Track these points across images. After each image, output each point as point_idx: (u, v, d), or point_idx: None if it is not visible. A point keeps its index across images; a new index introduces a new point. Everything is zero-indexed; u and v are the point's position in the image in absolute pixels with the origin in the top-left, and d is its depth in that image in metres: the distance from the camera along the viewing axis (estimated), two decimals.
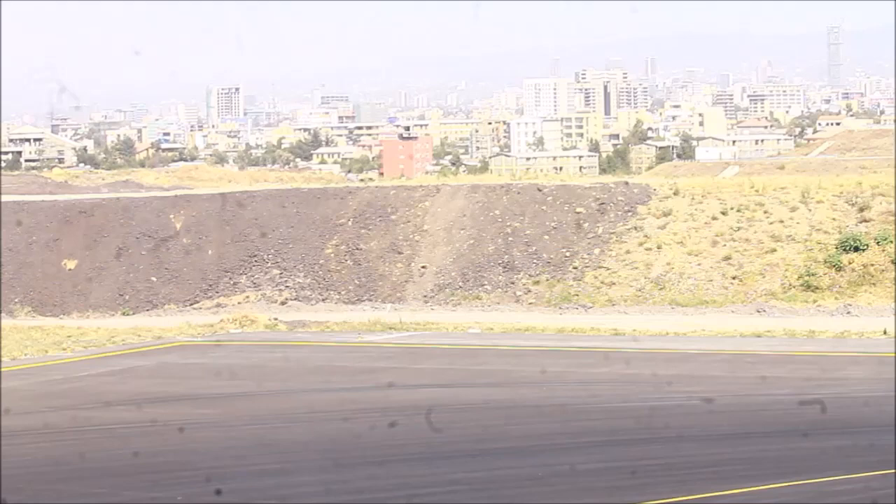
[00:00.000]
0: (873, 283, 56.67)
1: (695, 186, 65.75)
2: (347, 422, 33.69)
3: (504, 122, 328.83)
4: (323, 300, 62.56)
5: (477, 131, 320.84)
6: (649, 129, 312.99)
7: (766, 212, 61.78)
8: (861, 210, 60.45)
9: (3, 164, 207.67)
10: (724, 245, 60.44)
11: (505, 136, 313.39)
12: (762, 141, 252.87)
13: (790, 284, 57.59)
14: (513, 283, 61.17)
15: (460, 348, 48.80)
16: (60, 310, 63.58)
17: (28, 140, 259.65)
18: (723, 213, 62.24)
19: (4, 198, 70.59)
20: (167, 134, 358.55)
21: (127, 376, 43.69)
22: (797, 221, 60.78)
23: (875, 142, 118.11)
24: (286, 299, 62.82)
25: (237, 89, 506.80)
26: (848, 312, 54.52)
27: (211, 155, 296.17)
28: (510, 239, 63.09)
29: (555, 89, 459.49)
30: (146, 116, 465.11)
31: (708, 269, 59.47)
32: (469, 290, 61.29)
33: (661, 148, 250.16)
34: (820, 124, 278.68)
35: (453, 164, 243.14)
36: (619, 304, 58.31)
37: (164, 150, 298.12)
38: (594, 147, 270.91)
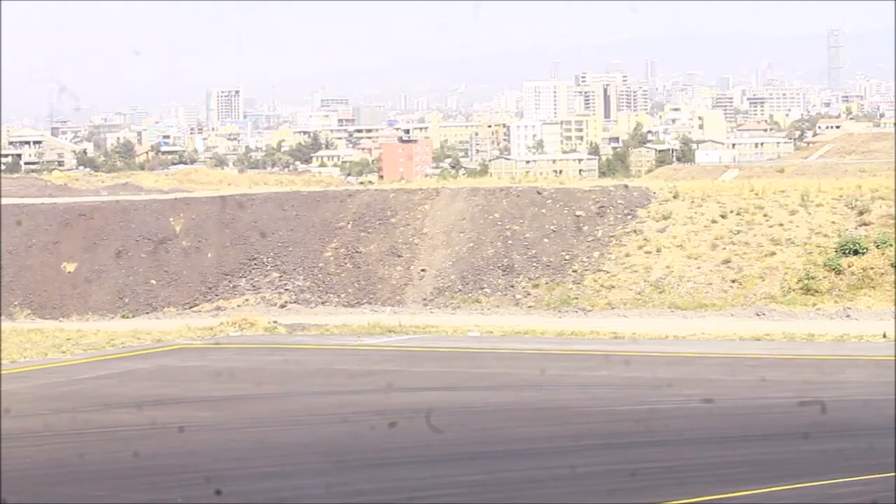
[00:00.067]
0: (873, 287, 56.70)
1: (694, 189, 65.82)
2: (347, 424, 33.71)
3: (504, 125, 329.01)
4: (322, 303, 62.57)
5: (477, 134, 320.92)
6: (649, 132, 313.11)
7: (765, 215, 61.82)
8: (861, 213, 60.48)
9: (3, 167, 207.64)
10: (724, 248, 60.46)
11: (505, 139, 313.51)
12: (762, 144, 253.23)
13: (789, 288, 57.61)
14: (512, 286, 61.18)
15: (460, 351, 48.80)
16: (60, 312, 63.57)
17: (28, 143, 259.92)
18: (722, 217, 62.27)
19: (4, 200, 70.61)
20: (167, 137, 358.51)
21: (126, 379, 43.68)
22: (797, 225, 60.81)
23: (875, 145, 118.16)
24: (286, 302, 62.83)
25: (237, 92, 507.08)
26: (847, 316, 54.52)
27: (210, 158, 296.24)
28: (510, 242, 63.10)
29: (555, 92, 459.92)
30: (146, 119, 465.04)
31: (707, 272, 59.49)
32: (468, 293, 61.30)
33: (660, 151, 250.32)
34: (820, 127, 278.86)
35: (453, 167, 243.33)
36: (619, 307, 58.33)
37: (163, 152, 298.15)
38: (594, 150, 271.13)
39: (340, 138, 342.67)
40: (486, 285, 61.51)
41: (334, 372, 44.77)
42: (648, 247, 61.32)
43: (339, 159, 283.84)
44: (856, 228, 59.69)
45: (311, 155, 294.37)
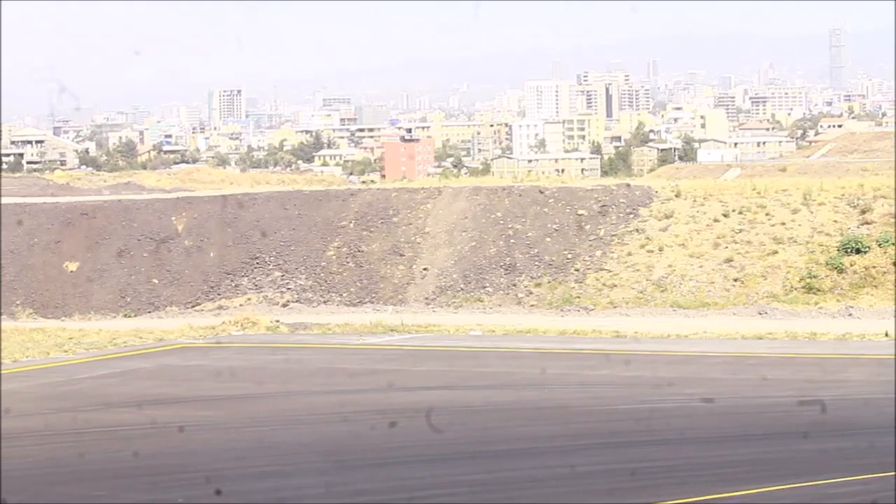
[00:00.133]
0: (875, 286, 56.67)
1: (696, 188, 65.80)
2: (348, 423, 33.69)
3: (506, 125, 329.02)
4: (324, 302, 62.57)
5: (479, 133, 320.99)
6: (651, 131, 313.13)
7: (767, 214, 61.79)
8: (863, 212, 60.45)
9: (5, 167, 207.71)
10: (726, 247, 60.44)
11: (507, 139, 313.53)
12: (764, 143, 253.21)
13: (792, 286, 57.58)
14: (514, 285, 61.17)
15: (461, 350, 48.78)
16: (62, 312, 63.59)
17: (30, 142, 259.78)
18: (724, 216, 62.25)
19: (5, 200, 70.65)
20: (169, 136, 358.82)
21: (128, 378, 43.68)
22: (799, 224, 60.78)
23: (877, 144, 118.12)
24: (288, 301, 62.82)
25: (239, 91, 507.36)
26: (849, 314, 54.49)
27: (213, 157, 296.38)
28: (512, 241, 63.09)
29: (556, 91, 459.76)
30: (148, 118, 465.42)
31: (709, 271, 59.47)
32: (470, 292, 61.28)
33: (662, 150, 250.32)
34: (822, 126, 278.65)
35: (455, 166, 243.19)
36: (621, 306, 58.31)
37: (165, 152, 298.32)
38: (596, 149, 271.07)
39: (342, 137, 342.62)
40: (488, 284, 61.49)
41: (336, 371, 44.75)
42: (650, 246, 61.30)
43: (341, 158, 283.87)
44: (858, 227, 59.65)
45: (314, 154, 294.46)
